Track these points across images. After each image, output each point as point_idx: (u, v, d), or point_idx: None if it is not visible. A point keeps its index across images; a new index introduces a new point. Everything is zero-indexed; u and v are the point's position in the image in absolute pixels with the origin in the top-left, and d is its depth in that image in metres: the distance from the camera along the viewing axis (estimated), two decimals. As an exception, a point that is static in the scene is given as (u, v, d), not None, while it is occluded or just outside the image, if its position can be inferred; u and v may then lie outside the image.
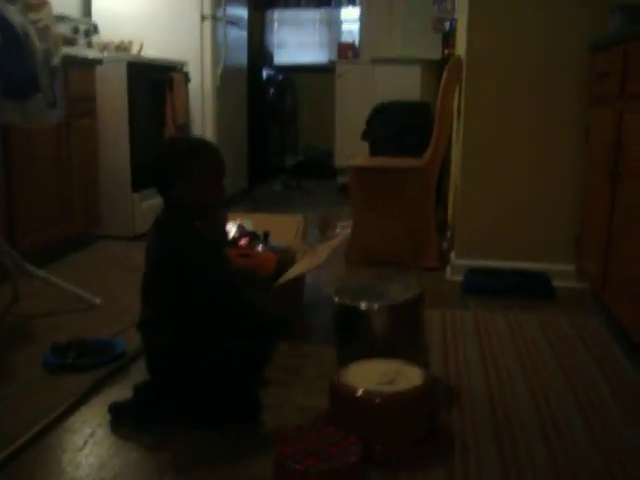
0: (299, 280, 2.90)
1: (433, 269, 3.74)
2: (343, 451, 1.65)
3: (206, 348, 2.01)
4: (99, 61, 4.26)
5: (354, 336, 2.28)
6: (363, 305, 2.25)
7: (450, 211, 4.23)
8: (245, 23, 6.39)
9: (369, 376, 1.92)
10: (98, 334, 2.67)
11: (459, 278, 3.47)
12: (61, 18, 4.50)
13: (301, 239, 3.17)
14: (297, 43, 8.23)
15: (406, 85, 5.88)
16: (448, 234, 4.12)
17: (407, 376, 1.93)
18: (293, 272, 2.74)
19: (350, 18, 7.90)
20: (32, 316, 2.98)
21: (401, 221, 3.84)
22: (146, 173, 2.11)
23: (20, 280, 3.11)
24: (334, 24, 8.08)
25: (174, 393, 2.01)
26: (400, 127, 5.48)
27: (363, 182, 3.91)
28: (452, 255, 3.66)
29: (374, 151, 5.51)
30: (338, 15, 8.09)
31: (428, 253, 3.80)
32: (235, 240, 3.02)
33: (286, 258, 2.93)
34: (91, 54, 4.33)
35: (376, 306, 2.24)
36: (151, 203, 4.42)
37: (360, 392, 1.83)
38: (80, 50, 4.41)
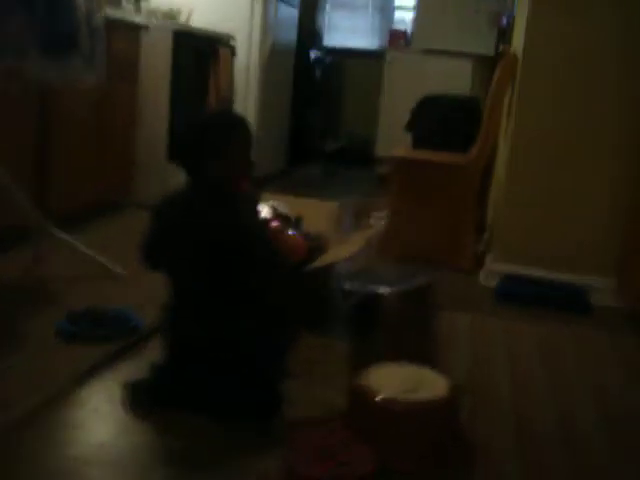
0: (328, 269, 2.80)
1: (466, 271, 3.61)
2: (357, 459, 1.56)
3: (242, 335, 1.92)
4: (145, 27, 4.17)
5: (368, 324, 2.21)
6: (380, 289, 2.19)
7: (490, 212, 4.09)
8: (297, 1, 6.27)
9: (392, 381, 1.82)
10: (115, 304, 2.59)
11: (493, 283, 3.35)
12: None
13: (335, 227, 3.07)
14: (348, 27, 8.07)
15: (456, 79, 5.75)
16: (485, 236, 3.99)
17: (431, 385, 1.82)
18: (324, 260, 2.64)
19: (404, 5, 7.74)
20: (51, 280, 2.91)
21: (438, 218, 3.72)
22: (178, 151, 2.04)
23: (44, 243, 3.03)
24: (387, 10, 7.91)
25: (194, 377, 1.91)
26: (446, 121, 5.33)
27: (403, 174, 3.79)
28: (488, 259, 3.53)
29: (417, 144, 5.36)
30: (392, 1, 7.92)
31: (463, 254, 3.68)
32: (266, 221, 2.92)
33: (317, 246, 2.83)
34: (137, 19, 4.24)
35: (389, 290, 2.18)
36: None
37: (381, 398, 1.73)
38: (126, 14, 4.32)
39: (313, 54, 7.18)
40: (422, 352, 2.29)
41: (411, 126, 5.56)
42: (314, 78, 7.15)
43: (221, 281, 1.91)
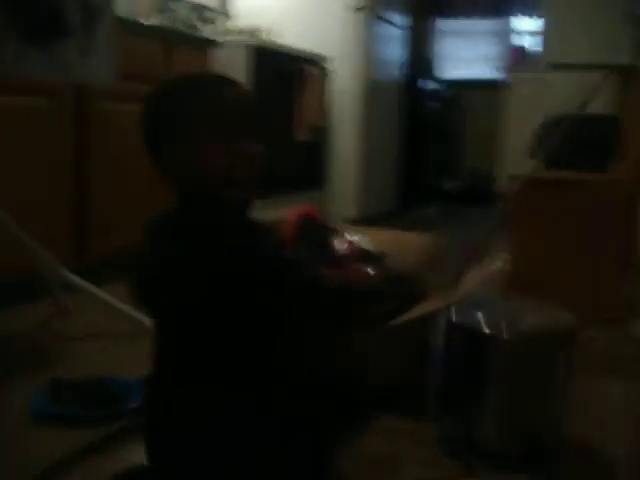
0: (422, 323, 2.02)
1: (615, 320, 2.76)
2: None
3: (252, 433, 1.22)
4: (212, 42, 3.60)
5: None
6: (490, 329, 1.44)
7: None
8: (403, 24, 5.60)
9: None
10: (127, 369, 1.93)
11: (653, 337, 2.49)
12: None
13: (431, 265, 2.30)
14: (464, 56, 7.37)
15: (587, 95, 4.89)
16: (637, 275, 3.10)
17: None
18: (416, 311, 1.89)
19: (524, 29, 6.96)
20: (67, 337, 2.33)
21: (576, 252, 2.89)
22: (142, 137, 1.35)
23: (66, 293, 2.44)
24: (505, 36, 7.14)
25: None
26: (577, 143, 4.50)
27: (528, 198, 2.99)
28: (643, 304, 2.67)
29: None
30: (509, 26, 7.15)
31: (610, 298, 2.82)
32: (339, 261, 2.19)
33: (407, 291, 2.09)
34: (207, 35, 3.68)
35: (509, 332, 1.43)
36: (272, 214, 3.68)
37: None
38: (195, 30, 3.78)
39: (425, 85, 6.51)
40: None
41: (536, 152, 4.77)
42: (427, 111, 6.48)
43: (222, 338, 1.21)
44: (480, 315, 1.58)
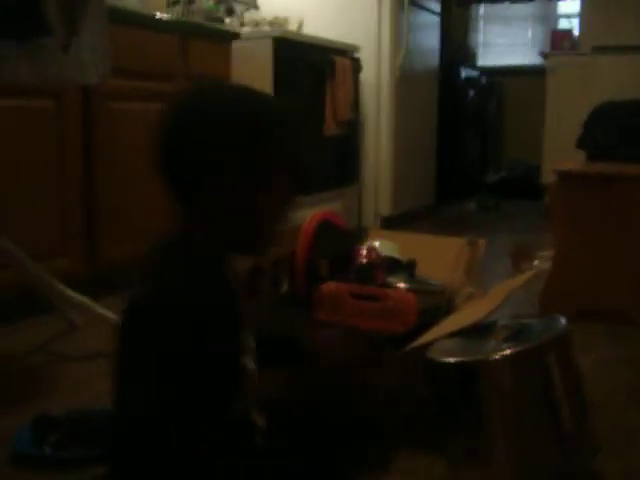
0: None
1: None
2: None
3: None
4: (234, 35, 3.39)
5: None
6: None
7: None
8: (438, 9, 5.34)
9: None
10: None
11: None
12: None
13: (464, 274, 2.07)
14: (505, 42, 7.08)
15: (638, 79, 4.60)
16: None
17: None
18: (444, 328, 1.67)
19: (569, 12, 6.64)
20: (67, 358, 2.15)
21: (626, 254, 2.64)
22: (154, 154, 1.11)
23: (67, 312, 2.28)
24: (549, 20, 6.83)
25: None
26: (628, 132, 4.23)
27: (571, 195, 2.74)
28: None
29: (592, 161, 4.28)
30: (554, 10, 6.83)
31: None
32: (364, 272, 1.97)
33: (438, 304, 1.87)
34: (228, 27, 3.48)
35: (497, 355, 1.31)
36: (300, 215, 3.47)
37: None
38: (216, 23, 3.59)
39: (465, 73, 6.25)
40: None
41: (583, 142, 4.49)
42: (467, 100, 6.22)
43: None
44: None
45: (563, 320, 1.46)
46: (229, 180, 1.06)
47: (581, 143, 4.48)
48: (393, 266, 2.05)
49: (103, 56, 1.89)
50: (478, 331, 1.52)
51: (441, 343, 1.49)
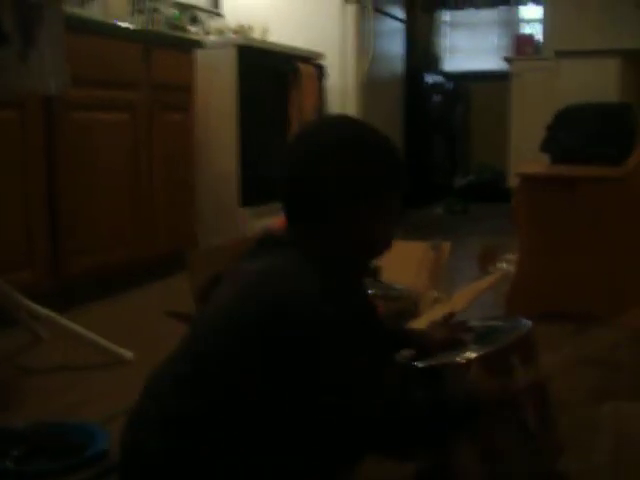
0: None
1: (637, 328, 2.53)
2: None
3: None
4: (198, 43, 3.39)
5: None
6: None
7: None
8: (403, 16, 5.38)
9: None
10: (94, 408, 1.73)
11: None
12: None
13: (429, 278, 2.08)
14: (470, 48, 7.14)
15: (599, 83, 4.67)
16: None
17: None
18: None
19: (532, 17, 6.71)
20: (34, 370, 2.12)
21: (590, 255, 2.67)
22: (282, 192, 1.20)
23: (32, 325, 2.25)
24: (512, 25, 6.89)
25: None
26: (591, 135, 4.26)
27: (535, 198, 2.77)
28: (669, 310, 2.44)
29: (557, 164, 4.32)
30: (517, 15, 6.90)
31: (630, 304, 2.59)
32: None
33: (402, 309, 1.88)
34: (193, 35, 3.48)
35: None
36: (267, 222, 3.47)
37: None
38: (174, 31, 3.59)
39: (430, 79, 6.29)
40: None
41: (547, 145, 4.53)
42: (432, 105, 6.26)
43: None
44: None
45: (527, 322, 1.47)
46: (357, 212, 1.14)
47: (545, 147, 4.51)
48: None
49: (62, 66, 1.87)
50: None
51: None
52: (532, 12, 6.72)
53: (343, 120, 1.31)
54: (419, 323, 1.78)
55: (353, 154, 1.15)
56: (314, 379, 1.02)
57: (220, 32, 3.99)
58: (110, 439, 1.49)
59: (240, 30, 4.07)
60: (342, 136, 1.18)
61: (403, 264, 2.08)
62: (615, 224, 2.65)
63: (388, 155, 1.20)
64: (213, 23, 4.18)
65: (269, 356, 1.02)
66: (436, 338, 1.38)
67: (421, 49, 6.64)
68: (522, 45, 5.93)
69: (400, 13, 5.32)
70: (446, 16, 7.19)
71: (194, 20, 4.21)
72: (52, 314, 2.17)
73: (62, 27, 1.85)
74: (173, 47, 3.27)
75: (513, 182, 5.34)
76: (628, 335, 2.49)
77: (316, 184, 1.13)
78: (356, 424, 1.04)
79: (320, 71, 4.23)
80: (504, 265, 3.28)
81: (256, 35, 4.15)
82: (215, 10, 4.54)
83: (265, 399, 1.03)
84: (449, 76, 6.77)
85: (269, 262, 1.10)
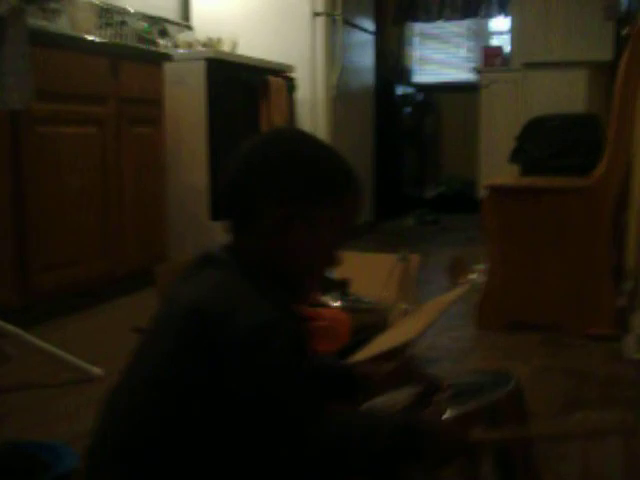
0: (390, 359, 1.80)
1: (605, 338, 2.55)
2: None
3: None
4: (166, 56, 3.38)
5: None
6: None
7: (631, 254, 3.00)
8: (372, 28, 5.40)
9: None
10: (59, 427, 1.71)
11: (646, 355, 2.29)
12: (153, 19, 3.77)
13: (398, 290, 2.09)
14: (440, 59, 7.18)
15: (567, 94, 4.73)
16: (627, 286, 2.89)
17: None
18: (376, 346, 1.67)
19: (501, 29, 6.77)
20: (1, 389, 2.09)
21: (558, 266, 2.69)
22: (225, 197, 1.15)
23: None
24: (481, 37, 6.94)
25: None
26: (559, 146, 4.30)
27: (503, 209, 2.79)
28: (635, 319, 2.46)
29: (526, 175, 4.35)
30: (486, 27, 6.95)
31: (598, 314, 2.62)
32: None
33: (372, 321, 1.88)
34: (162, 49, 3.47)
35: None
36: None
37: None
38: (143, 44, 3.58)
39: (400, 90, 6.31)
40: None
41: (516, 156, 4.56)
42: (403, 117, 6.28)
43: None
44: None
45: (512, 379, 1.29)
46: (291, 225, 1.09)
47: (514, 158, 4.55)
48: (326, 285, 2.05)
49: (27, 80, 1.86)
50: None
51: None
52: (501, 24, 6.78)
53: (293, 133, 1.28)
54: (383, 337, 1.77)
55: (289, 163, 1.11)
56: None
57: (189, 45, 3.98)
58: (78, 458, 1.48)
59: (209, 43, 4.06)
60: (285, 147, 1.14)
61: (372, 276, 2.08)
62: (581, 234, 2.67)
63: (333, 171, 1.13)
64: (182, 36, 4.17)
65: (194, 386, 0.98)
66: (380, 376, 1.27)
67: (391, 61, 6.67)
68: (490, 57, 5.98)
69: (370, 25, 5.34)
70: (416, 28, 7.23)
71: (163, 33, 4.20)
72: (19, 331, 2.14)
73: (26, 41, 1.84)
74: (142, 60, 3.25)
75: (483, 193, 5.39)
76: (596, 344, 2.51)
77: (248, 192, 1.10)
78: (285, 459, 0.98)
79: (290, 83, 4.23)
80: (475, 276, 3.30)
81: (226, 48, 4.14)
82: (184, 23, 4.53)
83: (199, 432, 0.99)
84: (419, 87, 6.80)
85: (201, 284, 1.06)
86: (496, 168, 5.17)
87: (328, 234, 1.12)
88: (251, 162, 1.12)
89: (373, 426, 1.02)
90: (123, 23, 3.79)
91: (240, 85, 3.78)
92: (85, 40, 3.01)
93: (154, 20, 4.15)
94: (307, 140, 1.17)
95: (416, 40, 7.25)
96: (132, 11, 3.93)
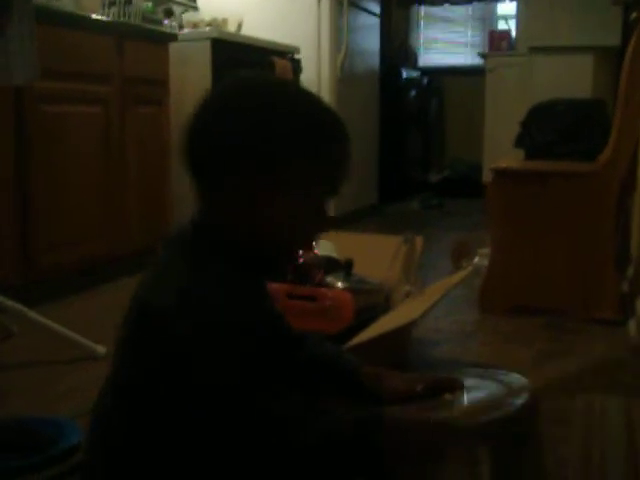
0: (394, 341, 1.81)
1: (609, 322, 2.55)
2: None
3: None
4: (172, 36, 3.36)
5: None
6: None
7: (636, 239, 3.00)
8: (378, 11, 5.37)
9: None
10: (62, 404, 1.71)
11: (650, 339, 2.29)
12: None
13: (401, 272, 2.08)
14: (445, 43, 7.14)
15: (573, 78, 4.69)
16: (630, 271, 2.89)
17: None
18: (379, 327, 1.67)
19: (507, 13, 6.73)
20: (3, 366, 2.10)
21: (562, 250, 2.69)
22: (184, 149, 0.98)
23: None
24: (487, 21, 6.90)
25: None
26: (565, 131, 4.29)
27: (507, 193, 2.78)
28: (638, 304, 2.46)
29: (530, 160, 4.33)
30: (492, 11, 6.91)
31: (602, 298, 2.61)
32: (302, 272, 1.98)
33: (375, 302, 1.88)
34: (167, 28, 3.46)
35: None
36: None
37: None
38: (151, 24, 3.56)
39: (406, 74, 6.28)
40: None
41: (521, 141, 4.55)
42: (408, 100, 6.25)
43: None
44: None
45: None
46: (257, 183, 0.93)
47: (519, 142, 4.53)
48: (331, 266, 2.05)
49: (32, 57, 1.86)
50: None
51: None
52: (508, 8, 6.73)
53: (275, 79, 1.12)
54: (386, 318, 1.77)
55: (259, 108, 0.94)
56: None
57: (194, 25, 3.96)
58: (81, 434, 1.48)
59: (214, 23, 4.04)
60: (258, 90, 0.98)
61: (376, 258, 2.08)
62: (586, 219, 2.66)
63: (312, 124, 0.96)
64: (187, 16, 4.15)
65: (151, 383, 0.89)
66: (393, 389, 1.08)
67: (396, 44, 6.64)
68: (497, 41, 5.95)
69: (376, 8, 5.31)
70: (422, 11, 7.19)
71: (168, 13, 4.18)
72: (23, 308, 2.14)
73: (33, 18, 1.84)
74: (147, 40, 3.24)
75: (487, 177, 5.37)
76: (599, 328, 2.51)
77: (199, 155, 0.95)
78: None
79: (295, 65, 4.21)
80: (478, 259, 3.30)
81: (231, 28, 4.13)
82: (190, 3, 4.51)
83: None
84: (424, 71, 6.76)
85: (155, 273, 0.95)
86: (501, 153, 5.15)
87: (300, 207, 0.95)
88: (202, 116, 0.96)
89: (336, 420, 0.92)
90: (128, 2, 3.76)
91: (245, 66, 3.76)
92: (90, 19, 3.00)
93: (159, 0, 4.13)
94: (274, 89, 1.00)
95: (422, 23, 7.22)
96: (137, -10, 3.92)
